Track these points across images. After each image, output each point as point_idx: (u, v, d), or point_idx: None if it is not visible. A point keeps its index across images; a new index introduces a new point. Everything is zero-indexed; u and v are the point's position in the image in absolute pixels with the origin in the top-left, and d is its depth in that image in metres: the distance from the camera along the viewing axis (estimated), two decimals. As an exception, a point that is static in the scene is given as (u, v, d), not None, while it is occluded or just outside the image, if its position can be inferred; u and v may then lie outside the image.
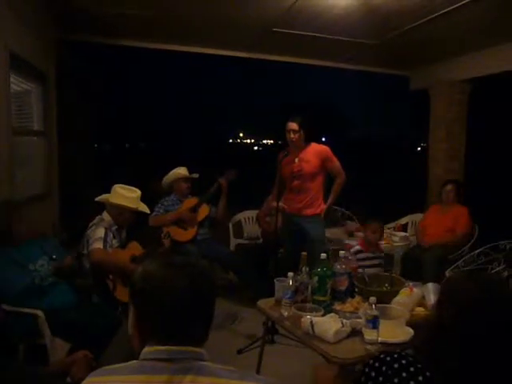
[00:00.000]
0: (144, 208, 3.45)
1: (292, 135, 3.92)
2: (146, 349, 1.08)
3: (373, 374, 1.11)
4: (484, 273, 3.04)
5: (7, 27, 3.23)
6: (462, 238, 4.38)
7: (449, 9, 3.82)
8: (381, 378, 1.09)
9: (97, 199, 3.34)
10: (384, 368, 1.10)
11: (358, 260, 3.16)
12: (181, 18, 4.50)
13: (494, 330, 1.02)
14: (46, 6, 4.14)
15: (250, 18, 4.37)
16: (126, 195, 3.31)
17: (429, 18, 4.07)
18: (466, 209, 4.59)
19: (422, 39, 4.81)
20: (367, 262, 3.35)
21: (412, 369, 1.07)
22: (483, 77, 5.50)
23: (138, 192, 3.40)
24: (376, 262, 3.46)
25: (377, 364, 1.12)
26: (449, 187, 4.67)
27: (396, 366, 1.09)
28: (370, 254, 3.46)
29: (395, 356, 1.11)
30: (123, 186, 3.38)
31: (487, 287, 1.09)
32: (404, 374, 1.06)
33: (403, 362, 1.09)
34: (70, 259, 2.90)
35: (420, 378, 1.05)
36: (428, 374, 1.05)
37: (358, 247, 3.51)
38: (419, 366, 1.07)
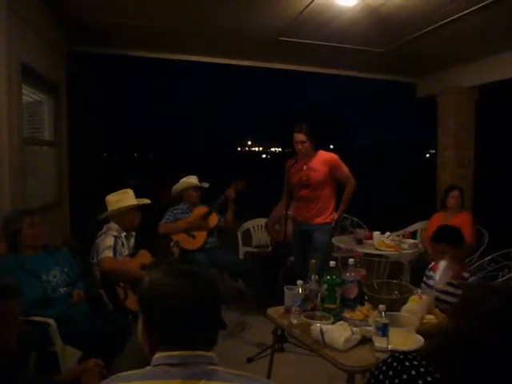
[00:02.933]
0: (143, 201, 3.48)
1: (300, 146, 3.91)
2: (158, 355, 1.10)
3: (384, 368, 1.16)
4: (506, 286, 2.87)
5: (19, 39, 3.29)
6: (466, 249, 4.30)
7: (455, 16, 3.83)
8: (391, 373, 1.13)
9: (100, 217, 3.40)
10: (395, 364, 1.14)
11: (428, 278, 2.91)
12: (190, 28, 4.57)
13: None
14: (57, 18, 4.22)
15: (257, 27, 4.42)
16: (119, 199, 3.38)
17: (436, 25, 4.08)
18: (469, 215, 4.52)
19: (429, 47, 4.82)
20: (431, 282, 2.82)
21: (422, 369, 1.10)
22: (491, 83, 5.49)
23: (130, 190, 3.47)
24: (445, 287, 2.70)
25: (389, 360, 1.17)
26: (454, 193, 4.60)
27: (407, 363, 1.12)
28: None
29: (409, 356, 1.14)
30: (112, 193, 3.44)
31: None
32: (413, 372, 1.10)
33: (414, 362, 1.12)
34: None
35: (429, 379, 1.07)
36: (437, 375, 1.06)
37: (431, 264, 3.00)
38: (430, 368, 1.08)
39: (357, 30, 4.33)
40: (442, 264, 2.63)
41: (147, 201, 3.52)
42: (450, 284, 2.72)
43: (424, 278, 2.99)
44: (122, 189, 3.50)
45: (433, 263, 3.01)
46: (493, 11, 3.69)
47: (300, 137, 3.90)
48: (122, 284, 3.09)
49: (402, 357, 1.15)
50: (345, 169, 4.04)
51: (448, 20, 3.94)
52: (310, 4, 3.72)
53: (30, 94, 3.88)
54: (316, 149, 4.00)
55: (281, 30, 4.46)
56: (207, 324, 1.14)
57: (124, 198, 3.38)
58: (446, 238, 2.89)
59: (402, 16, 3.92)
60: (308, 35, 4.61)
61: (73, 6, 3.99)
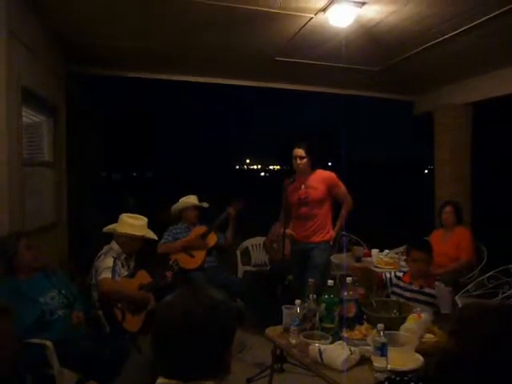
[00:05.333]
0: (151, 235, 3.49)
1: (299, 161, 3.95)
2: (159, 380, 1.10)
3: None
4: (505, 306, 2.81)
5: (19, 62, 3.33)
6: (467, 264, 4.30)
7: (448, 36, 3.91)
8: None
9: (105, 230, 3.40)
10: None
11: (395, 286, 3.03)
12: (188, 50, 4.65)
13: None
14: (56, 40, 4.28)
15: (254, 48, 4.49)
16: (132, 223, 3.36)
17: (427, 45, 4.16)
18: (467, 230, 4.52)
19: (425, 65, 4.90)
20: (408, 294, 2.92)
21: None
22: (486, 100, 5.55)
23: (145, 219, 3.46)
24: (421, 297, 2.87)
25: (386, 383, 1.16)
26: (447, 209, 4.59)
27: None
28: (412, 287, 2.94)
29: (405, 378, 1.14)
30: (130, 214, 3.45)
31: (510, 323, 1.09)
32: None
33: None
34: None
35: None
36: None
37: (399, 273, 3.12)
38: None
39: (352, 49, 4.40)
40: (441, 288, 2.79)
41: (154, 236, 3.54)
42: (420, 292, 2.89)
43: (394, 289, 3.03)
44: (120, 209, 3.51)
45: (402, 274, 3.09)
46: (482, 31, 3.77)
47: (299, 152, 3.94)
48: (119, 305, 3.07)
49: (398, 379, 1.14)
50: (342, 187, 4.06)
51: (439, 40, 4.01)
52: (304, 25, 3.79)
53: (29, 116, 3.92)
54: (314, 167, 4.03)
55: (277, 51, 4.53)
56: (212, 355, 1.13)
57: (138, 226, 3.39)
58: (425, 247, 3.04)
59: (395, 36, 3.99)
60: (304, 55, 4.68)
61: (71, 29, 4.06)
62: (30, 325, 2.55)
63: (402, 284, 3.02)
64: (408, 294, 2.92)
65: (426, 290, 2.89)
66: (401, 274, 3.10)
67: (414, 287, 2.93)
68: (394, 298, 2.96)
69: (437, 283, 2.86)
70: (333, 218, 4.13)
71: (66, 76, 4.87)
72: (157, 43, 4.43)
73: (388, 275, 3.13)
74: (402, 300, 2.82)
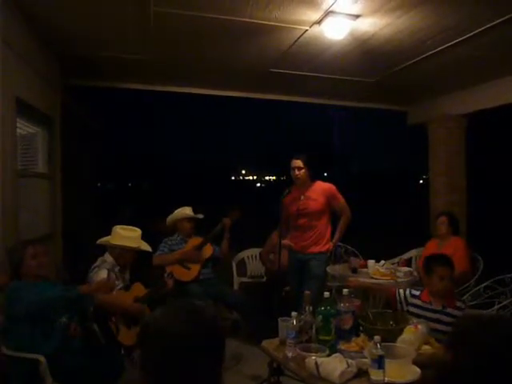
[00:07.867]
0: (145, 246, 3.46)
1: (297, 172, 3.95)
2: None
3: None
4: (501, 318, 2.63)
5: (13, 73, 3.32)
6: (462, 275, 4.28)
7: (441, 48, 3.95)
8: None
9: (98, 242, 3.38)
10: None
11: (412, 306, 2.84)
12: (186, 62, 4.69)
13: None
14: (51, 52, 4.29)
15: (249, 60, 4.52)
16: (126, 235, 3.34)
17: (422, 56, 4.20)
18: (461, 241, 4.53)
19: (419, 76, 4.94)
20: (430, 315, 2.72)
21: None
22: (479, 110, 5.60)
23: (139, 231, 3.44)
24: (445, 319, 2.67)
25: None
26: (440, 219, 4.61)
27: None
28: (433, 307, 2.75)
29: None
30: (123, 226, 3.42)
31: (506, 337, 1.08)
32: None
33: None
34: None
35: None
36: None
37: (416, 292, 2.90)
38: None
39: (347, 61, 4.43)
40: None
41: (148, 248, 3.51)
42: (443, 313, 2.71)
43: (411, 308, 2.86)
44: (115, 220, 3.48)
45: (418, 292, 2.90)
46: (475, 43, 3.81)
47: (297, 163, 3.95)
48: (114, 319, 3.04)
49: None
50: (341, 199, 4.06)
51: (433, 52, 4.06)
52: (299, 37, 3.82)
53: (23, 127, 3.91)
54: (313, 178, 4.03)
55: (272, 62, 4.56)
56: (205, 366, 1.11)
57: (132, 237, 3.35)
58: (449, 263, 2.83)
59: (390, 48, 4.03)
60: (299, 67, 4.71)
61: (66, 41, 4.07)
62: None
63: (420, 303, 2.82)
64: (430, 315, 2.73)
65: (449, 310, 2.70)
66: (417, 293, 2.89)
67: (436, 307, 2.74)
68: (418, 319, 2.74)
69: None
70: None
71: (61, 87, 4.87)
72: (154, 55, 4.45)
73: (402, 293, 2.95)
74: (421, 320, 2.61)
